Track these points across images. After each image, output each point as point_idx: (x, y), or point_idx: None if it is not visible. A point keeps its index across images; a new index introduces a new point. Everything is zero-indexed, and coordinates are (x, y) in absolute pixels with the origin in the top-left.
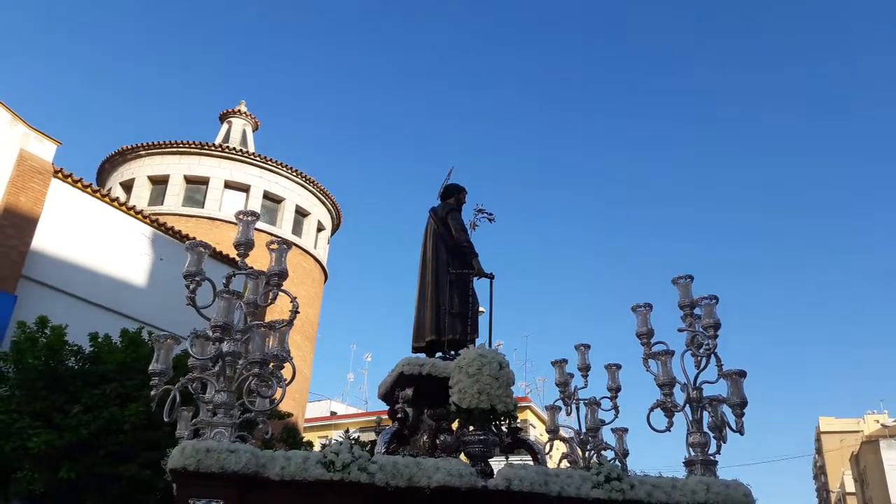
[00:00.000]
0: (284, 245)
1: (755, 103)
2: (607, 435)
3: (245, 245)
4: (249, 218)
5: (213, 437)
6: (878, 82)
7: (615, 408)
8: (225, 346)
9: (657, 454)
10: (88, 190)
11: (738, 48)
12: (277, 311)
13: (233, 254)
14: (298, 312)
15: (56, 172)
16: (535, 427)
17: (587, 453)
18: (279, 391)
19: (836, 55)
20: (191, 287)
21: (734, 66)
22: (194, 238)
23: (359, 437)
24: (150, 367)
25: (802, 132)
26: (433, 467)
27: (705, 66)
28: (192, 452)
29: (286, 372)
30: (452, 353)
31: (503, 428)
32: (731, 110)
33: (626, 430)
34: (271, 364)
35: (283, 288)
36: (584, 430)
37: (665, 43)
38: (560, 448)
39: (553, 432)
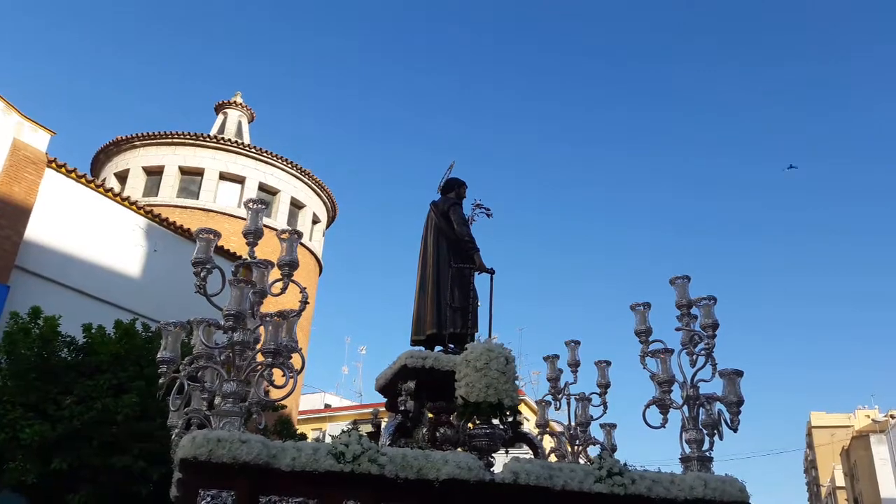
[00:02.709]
0: (295, 235)
1: (754, 98)
2: (595, 430)
3: (254, 234)
4: (258, 206)
5: (223, 426)
6: (878, 80)
7: (604, 404)
8: (237, 336)
9: (638, 449)
10: (83, 180)
11: (735, 44)
12: (273, 302)
13: (227, 245)
14: (308, 303)
15: (50, 162)
16: (528, 420)
17: (576, 448)
18: (290, 382)
19: (835, 53)
20: (201, 275)
21: (734, 61)
22: (189, 229)
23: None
24: (159, 355)
25: (799, 127)
26: (442, 460)
27: (705, 60)
28: (204, 442)
29: (295, 363)
30: (452, 346)
31: (505, 422)
32: (730, 104)
33: (614, 425)
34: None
35: (293, 279)
36: (573, 424)
37: (665, 37)
38: (547, 442)
39: (542, 426)
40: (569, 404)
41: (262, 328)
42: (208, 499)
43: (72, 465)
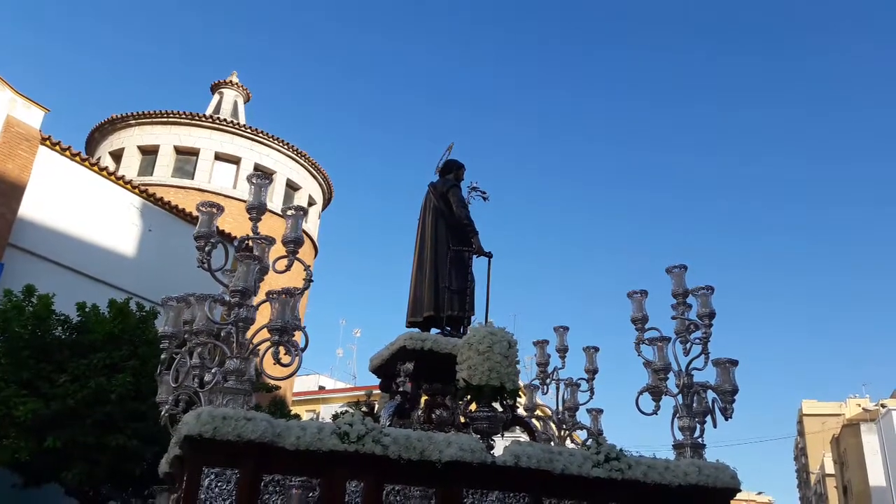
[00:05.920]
0: (301, 212)
1: (748, 96)
2: (582, 415)
3: (257, 209)
4: (262, 181)
5: (226, 404)
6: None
7: (591, 389)
8: (242, 312)
9: (620, 435)
10: (77, 158)
11: (736, 42)
12: (267, 280)
13: (222, 226)
14: (312, 281)
15: (44, 140)
16: (521, 405)
17: (562, 432)
18: (297, 360)
19: (835, 52)
20: (205, 249)
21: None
22: (184, 210)
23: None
24: (161, 330)
25: (798, 125)
26: (445, 442)
27: (706, 54)
28: (209, 419)
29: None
30: (448, 329)
31: (506, 405)
32: (727, 101)
33: (601, 410)
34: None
35: (298, 256)
36: (560, 409)
37: (665, 31)
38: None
39: (530, 410)
40: (557, 389)
41: (262, 305)
42: (212, 476)
43: (66, 443)
